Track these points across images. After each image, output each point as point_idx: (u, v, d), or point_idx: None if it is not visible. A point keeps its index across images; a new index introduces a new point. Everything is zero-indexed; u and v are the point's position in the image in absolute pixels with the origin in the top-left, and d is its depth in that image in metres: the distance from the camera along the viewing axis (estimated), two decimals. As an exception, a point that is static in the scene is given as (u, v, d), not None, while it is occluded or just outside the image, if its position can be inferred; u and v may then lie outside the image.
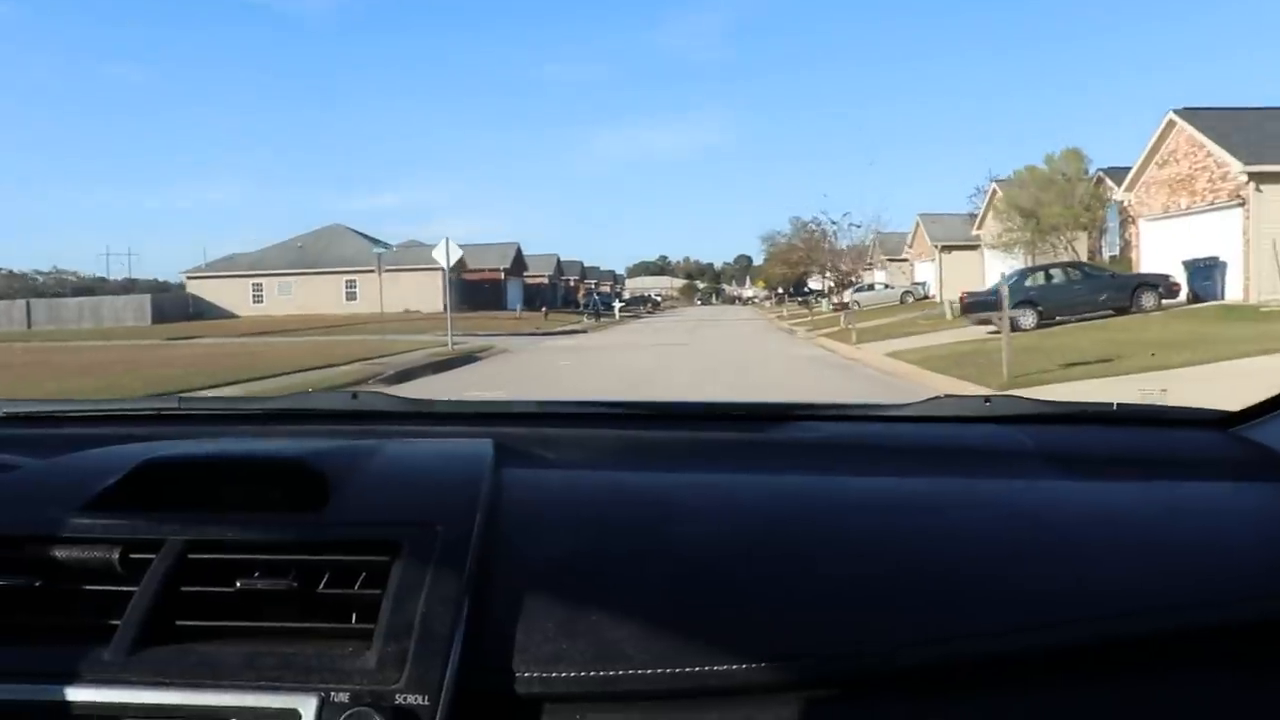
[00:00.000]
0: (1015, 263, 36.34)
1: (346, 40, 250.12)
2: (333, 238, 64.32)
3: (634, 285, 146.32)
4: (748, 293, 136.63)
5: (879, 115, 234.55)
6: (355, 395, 1.54)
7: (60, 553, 0.93)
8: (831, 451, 1.26)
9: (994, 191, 42.06)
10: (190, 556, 0.92)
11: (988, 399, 1.41)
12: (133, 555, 0.93)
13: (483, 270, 66.15)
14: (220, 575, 0.91)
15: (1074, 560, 0.95)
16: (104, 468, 1.04)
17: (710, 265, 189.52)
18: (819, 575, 0.92)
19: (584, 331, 43.29)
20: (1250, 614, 0.91)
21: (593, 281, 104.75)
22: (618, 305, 63.24)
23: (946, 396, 1.49)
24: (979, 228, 45.03)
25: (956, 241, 49.77)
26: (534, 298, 79.02)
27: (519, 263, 71.91)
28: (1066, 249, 32.08)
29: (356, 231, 64.83)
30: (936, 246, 51.03)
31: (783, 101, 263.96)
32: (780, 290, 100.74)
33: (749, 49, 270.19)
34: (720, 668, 0.83)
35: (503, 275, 67.23)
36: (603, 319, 57.48)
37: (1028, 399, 1.43)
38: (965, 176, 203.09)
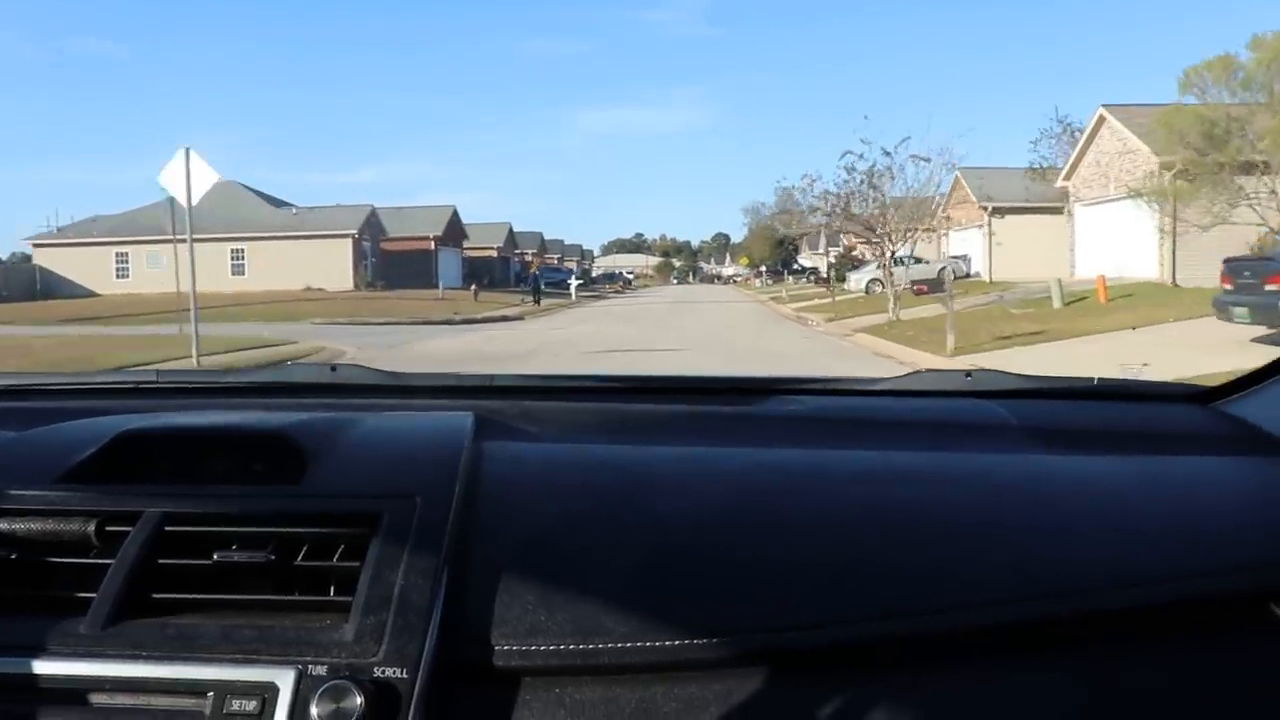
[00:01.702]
0: (1139, 223, 24.42)
1: (324, 10, 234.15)
2: (222, 197, 51.46)
3: (608, 263, 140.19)
4: (728, 270, 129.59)
5: (864, 101, 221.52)
6: (334, 368, 1.53)
7: (35, 525, 0.92)
8: (814, 425, 1.26)
9: (1100, 120, 30.07)
10: (167, 529, 0.91)
11: (968, 373, 1.41)
12: (109, 528, 0.92)
13: (406, 238, 53.67)
14: (197, 548, 0.91)
15: (1057, 534, 0.95)
16: (80, 440, 1.04)
17: (687, 243, 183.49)
18: (801, 548, 0.92)
19: (516, 319, 31.62)
20: (1230, 586, 0.92)
21: (555, 256, 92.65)
22: (574, 284, 51.18)
23: (928, 371, 1.49)
24: (1067, 177, 33.13)
25: (1013, 202, 38.03)
26: (480, 272, 66.97)
27: (455, 230, 59.46)
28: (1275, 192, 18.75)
29: (254, 190, 52.13)
30: (986, 208, 39.14)
31: (764, 80, 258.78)
32: (764, 267, 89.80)
33: (731, 27, 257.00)
34: (700, 641, 0.83)
35: (433, 245, 54.78)
36: (552, 301, 45.63)
37: (1008, 374, 1.44)
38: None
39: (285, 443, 1.01)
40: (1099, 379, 1.40)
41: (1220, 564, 0.93)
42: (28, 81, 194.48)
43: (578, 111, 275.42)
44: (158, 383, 1.49)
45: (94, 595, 0.86)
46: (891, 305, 23.47)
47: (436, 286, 51.23)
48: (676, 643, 0.83)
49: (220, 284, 46.33)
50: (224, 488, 0.96)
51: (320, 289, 45.89)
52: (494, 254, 70.17)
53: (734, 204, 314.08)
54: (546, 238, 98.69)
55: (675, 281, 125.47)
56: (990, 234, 39.18)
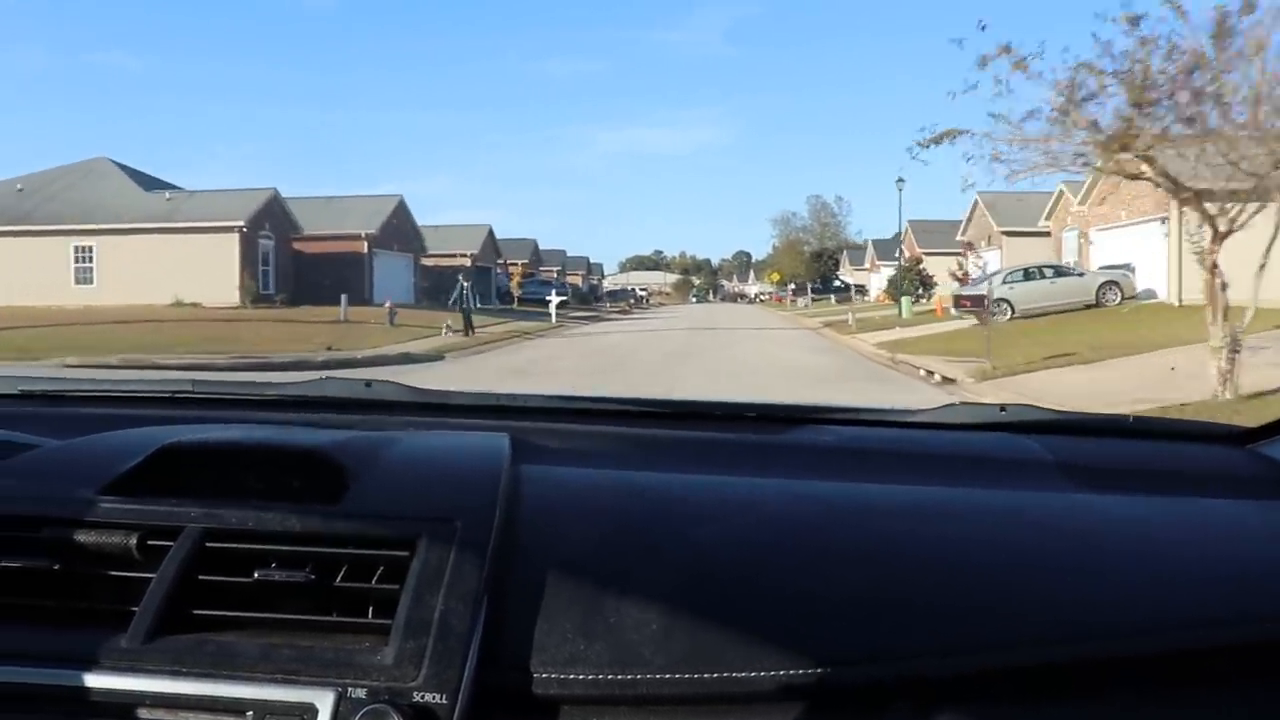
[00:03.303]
0: None
1: (342, 31, 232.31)
2: (77, 176, 37.88)
3: (625, 279, 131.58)
4: (752, 289, 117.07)
5: (887, 117, 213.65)
6: (369, 384, 1.53)
7: (79, 536, 0.92)
8: (849, 456, 1.25)
9: None
10: (208, 545, 0.92)
11: (1003, 407, 1.40)
12: (151, 541, 0.92)
13: (327, 237, 39.93)
14: (237, 565, 0.91)
15: (1091, 573, 0.95)
16: (123, 451, 1.04)
17: (707, 261, 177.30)
18: (839, 581, 0.92)
19: (421, 360, 18.34)
20: (1265, 634, 0.91)
21: (554, 270, 79.02)
22: (554, 301, 37.58)
23: (961, 404, 1.49)
24: None
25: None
26: (448, 285, 53.38)
27: (402, 230, 45.56)
28: None
29: (123, 167, 38.62)
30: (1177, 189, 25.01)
31: (784, 99, 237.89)
32: (794, 285, 76.12)
33: (750, 47, 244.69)
34: (739, 674, 0.83)
35: (366, 247, 40.90)
36: (522, 322, 32.00)
37: (1042, 408, 1.43)
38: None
39: (325, 461, 1.01)
40: (1134, 416, 1.39)
41: (1257, 610, 0.92)
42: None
43: (597, 130, 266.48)
44: (193, 393, 1.49)
45: (135, 609, 0.86)
46: (1221, 376, 9.63)
47: (371, 301, 37.77)
48: (715, 675, 0.83)
49: (59, 295, 32.95)
50: (264, 504, 0.95)
51: (195, 303, 32.41)
52: (467, 262, 56.41)
53: (754, 222, 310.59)
54: (512, 238, 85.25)
55: (694, 300, 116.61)
56: (1183, 230, 25.06)
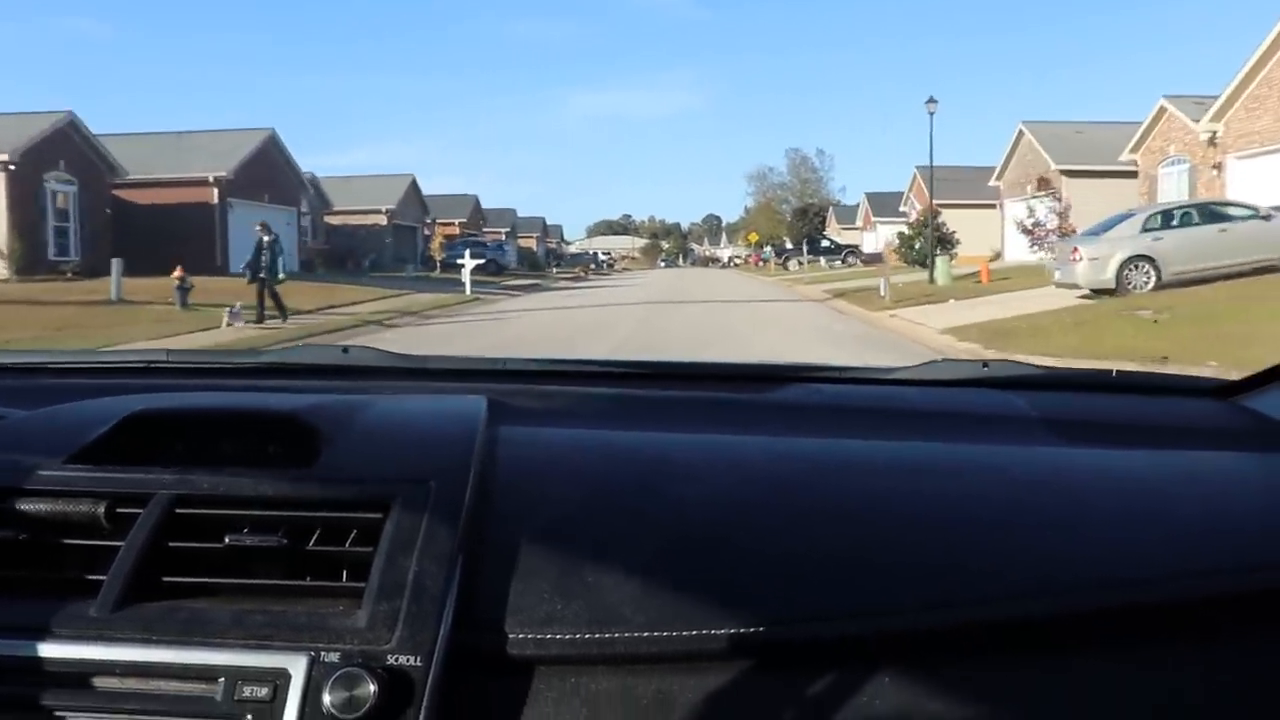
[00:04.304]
0: None
1: None
2: None
3: (596, 245, 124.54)
4: (725, 253, 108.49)
5: (860, 81, 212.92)
6: (346, 349, 1.51)
7: (45, 506, 0.92)
8: (833, 414, 1.25)
9: None
10: (178, 511, 0.91)
11: (985, 363, 1.41)
12: (119, 509, 0.91)
13: (162, 182, 29.69)
14: (208, 530, 0.91)
15: (1076, 527, 0.95)
16: (90, 419, 1.03)
17: (677, 225, 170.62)
18: (821, 538, 0.92)
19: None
20: (1251, 584, 0.92)
21: (502, 231, 68.90)
22: (468, 265, 27.98)
23: (944, 360, 1.52)
24: None
25: None
26: (358, 249, 43.35)
27: (272, 175, 35.29)
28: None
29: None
30: None
31: (756, 64, 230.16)
32: (771, 246, 66.79)
33: (721, 9, 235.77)
34: (719, 631, 0.83)
35: (215, 196, 30.70)
36: (429, 292, 22.41)
37: (1025, 364, 1.44)
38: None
39: (298, 425, 1.00)
40: (1117, 371, 1.40)
41: (1243, 561, 0.92)
42: None
43: (566, 94, 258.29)
44: (167, 362, 1.47)
45: (104, 578, 0.86)
46: None
47: (226, 269, 27.92)
48: (695, 633, 0.83)
49: None
50: (236, 470, 0.94)
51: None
52: (382, 221, 46.32)
53: (726, 186, 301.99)
54: (499, 209, 75.05)
55: (663, 264, 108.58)
56: None
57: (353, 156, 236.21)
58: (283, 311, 17.04)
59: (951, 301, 21.19)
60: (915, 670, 0.85)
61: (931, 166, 29.38)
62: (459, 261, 28.88)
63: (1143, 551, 0.92)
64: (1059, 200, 25.39)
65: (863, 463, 1.06)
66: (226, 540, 0.89)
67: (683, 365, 1.57)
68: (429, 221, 49.79)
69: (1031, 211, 25.89)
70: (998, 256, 38.39)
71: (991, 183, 38.71)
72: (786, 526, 0.93)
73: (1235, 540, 0.95)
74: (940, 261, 27.38)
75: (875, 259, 27.43)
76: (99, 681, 0.80)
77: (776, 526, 0.93)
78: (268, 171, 34.14)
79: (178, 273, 18.85)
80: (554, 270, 56.53)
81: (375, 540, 0.87)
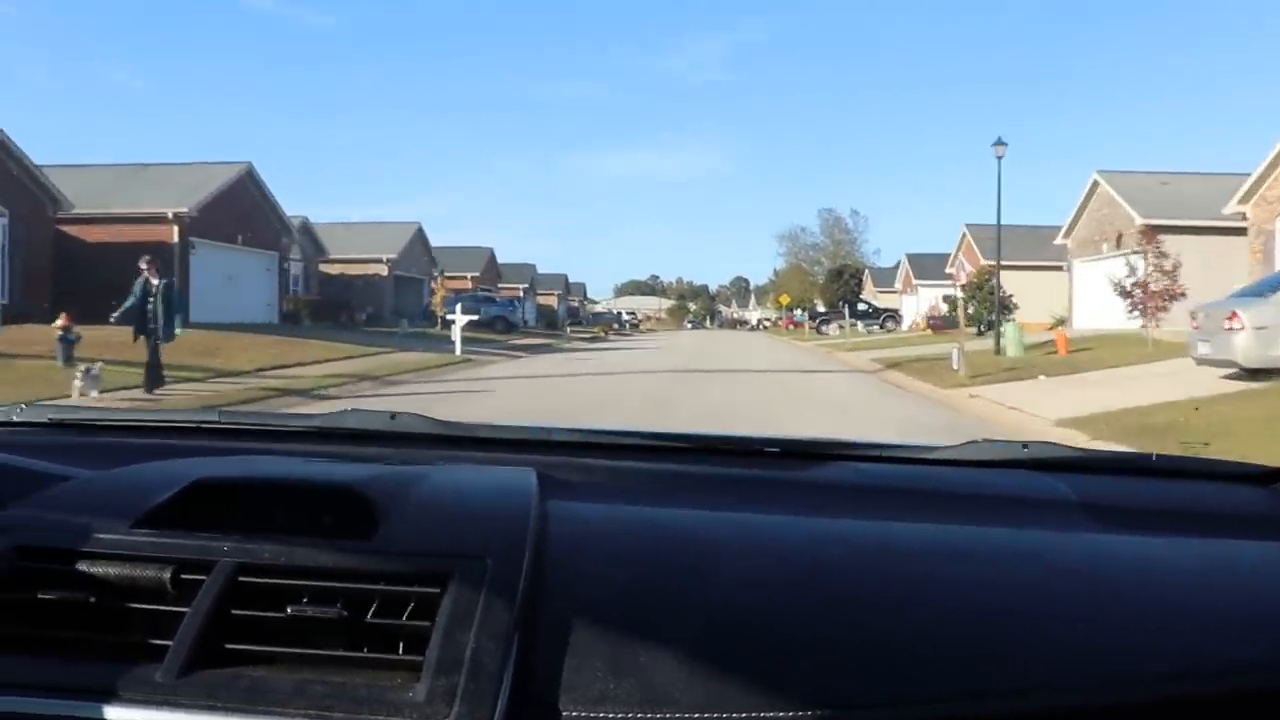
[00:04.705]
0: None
1: (345, 53, 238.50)
2: None
3: (620, 304, 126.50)
4: (753, 315, 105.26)
5: (877, 145, 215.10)
6: (394, 416, 1.54)
7: (112, 569, 0.94)
8: (871, 494, 1.26)
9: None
10: (241, 579, 0.93)
11: (1025, 444, 1.40)
12: (184, 575, 0.93)
13: (114, 220, 25.95)
14: (269, 600, 0.92)
15: (1111, 617, 0.95)
16: (156, 483, 1.06)
17: (705, 287, 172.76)
18: (859, 624, 0.93)
19: None
20: None
21: (519, 287, 65.38)
22: (458, 321, 24.11)
23: (985, 441, 1.49)
24: None
25: None
26: (355, 300, 39.64)
27: (246, 214, 31.16)
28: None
29: None
30: None
31: (781, 128, 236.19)
32: (804, 309, 63.08)
33: (748, 74, 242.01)
34: (766, 714, 0.84)
35: (176, 234, 26.49)
36: (369, 358, 18.67)
37: (1065, 445, 1.43)
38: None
39: (356, 497, 1.02)
40: (1157, 455, 1.38)
41: None
42: None
43: (594, 154, 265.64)
44: (219, 423, 1.53)
45: (169, 643, 0.87)
46: None
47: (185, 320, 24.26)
48: (740, 716, 0.84)
49: None
50: (296, 540, 0.96)
51: None
52: (383, 272, 42.78)
53: (753, 250, 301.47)
54: (516, 264, 71.66)
55: (690, 326, 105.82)
56: None
57: (369, 212, 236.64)
58: (153, 378, 13.05)
59: (1041, 378, 17.09)
60: None
61: (999, 214, 25.34)
62: (449, 317, 24.94)
63: (1186, 643, 0.91)
64: (1164, 256, 21.10)
65: (901, 547, 1.06)
66: (288, 610, 0.89)
67: (722, 439, 1.53)
68: (436, 274, 46.20)
69: (1133, 270, 21.62)
70: (1061, 323, 34.21)
71: (1058, 241, 34.54)
72: (826, 612, 0.93)
73: (1272, 634, 0.93)
74: (1010, 328, 23.26)
75: (942, 323, 23.17)
76: None
77: (821, 609, 0.93)
78: (242, 210, 30.57)
79: (61, 322, 15.01)
80: (569, 330, 52.58)
81: (432, 615, 0.88)
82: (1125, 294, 21.38)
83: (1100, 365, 18.36)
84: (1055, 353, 22.24)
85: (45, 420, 1.52)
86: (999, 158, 26.04)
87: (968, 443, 1.44)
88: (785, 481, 1.31)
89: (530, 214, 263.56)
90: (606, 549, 1.02)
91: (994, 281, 34.04)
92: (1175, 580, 1.01)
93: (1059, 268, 36.92)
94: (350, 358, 21.37)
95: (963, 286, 35.08)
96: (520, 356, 27.02)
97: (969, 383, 16.59)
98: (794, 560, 1.02)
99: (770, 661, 0.87)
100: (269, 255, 32.60)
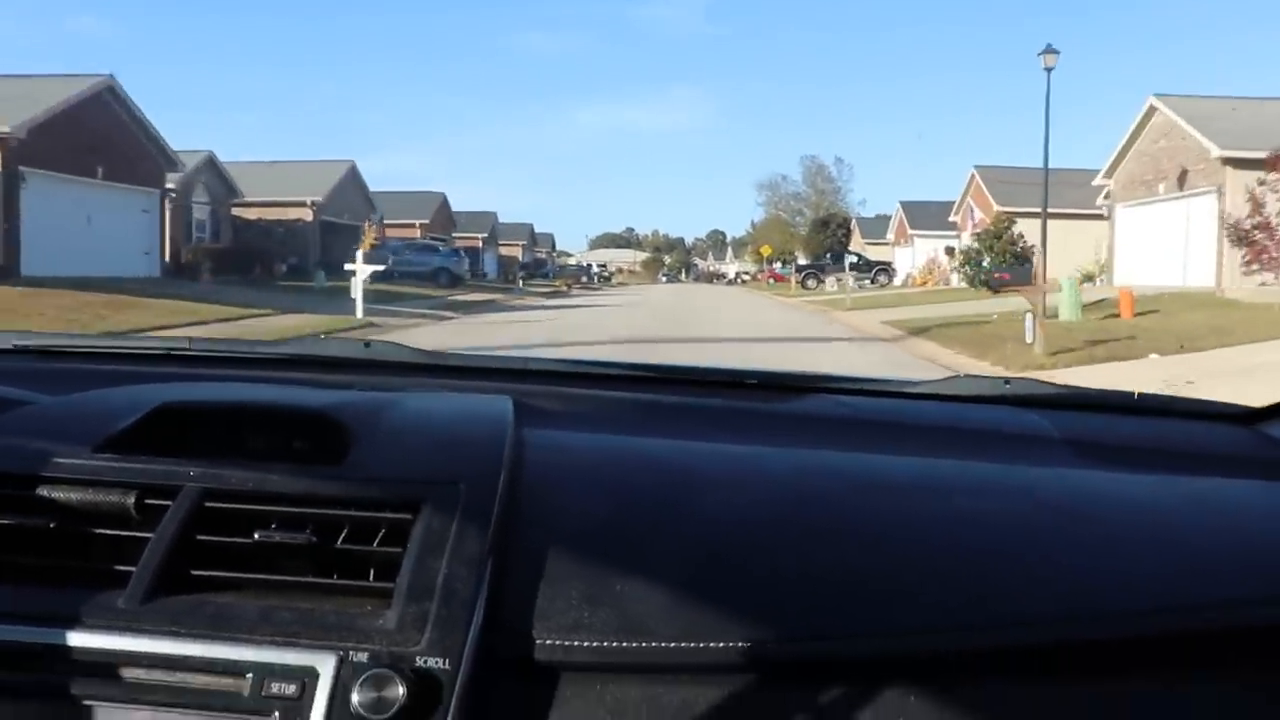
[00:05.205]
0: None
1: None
2: None
3: (594, 256, 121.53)
4: (730, 268, 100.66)
5: (861, 94, 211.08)
6: (368, 344, 1.52)
7: (75, 494, 0.92)
8: (853, 426, 1.26)
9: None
10: (207, 505, 0.92)
11: (1007, 380, 1.41)
12: (148, 500, 0.92)
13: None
14: (237, 525, 0.91)
15: (1098, 553, 0.95)
16: (120, 408, 1.04)
17: (680, 240, 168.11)
18: (846, 553, 0.93)
19: None
20: (1272, 616, 0.91)
21: (478, 236, 59.69)
22: (359, 274, 18.95)
23: (966, 376, 1.48)
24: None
25: None
26: (267, 251, 34.06)
27: (101, 142, 24.57)
28: None
29: None
30: None
31: (763, 81, 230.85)
32: (781, 261, 58.13)
33: (731, 25, 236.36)
34: (745, 644, 0.84)
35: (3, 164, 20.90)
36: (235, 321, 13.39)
37: (1047, 382, 1.43)
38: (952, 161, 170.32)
39: (327, 422, 1.01)
40: (1139, 393, 1.38)
41: (1265, 592, 0.92)
42: None
43: (573, 107, 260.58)
44: (190, 350, 1.49)
45: (132, 569, 0.86)
46: None
47: (16, 274, 18.97)
48: (719, 646, 0.83)
49: None
50: (265, 465, 0.95)
51: None
52: (307, 216, 37.11)
53: (731, 203, 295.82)
54: (474, 212, 65.82)
55: (664, 279, 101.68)
56: None
57: (363, 165, 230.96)
58: None
59: (1153, 356, 12.06)
60: (933, 691, 0.85)
61: (1047, 143, 20.32)
62: (348, 267, 19.54)
63: (1171, 580, 0.91)
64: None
65: (887, 479, 1.06)
66: (255, 536, 0.88)
67: (704, 371, 1.52)
68: (373, 221, 40.55)
69: (1259, 206, 16.41)
70: (1090, 278, 29.25)
71: (1097, 181, 29.30)
72: (811, 543, 0.93)
73: (1259, 571, 0.93)
74: (1067, 285, 18.23)
75: (1021, 280, 18.06)
76: (126, 672, 0.80)
77: (801, 542, 0.93)
78: (100, 136, 24.54)
79: None
80: (522, 283, 47.04)
81: (404, 541, 0.87)
82: (1244, 241, 16.29)
83: (1211, 337, 13.37)
84: (1117, 315, 17.33)
85: (9, 346, 1.47)
86: (1048, 69, 20.84)
87: (950, 378, 1.44)
88: (766, 413, 1.29)
89: (502, 167, 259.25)
90: (584, 477, 1.00)
91: (1014, 230, 29.27)
92: (1160, 517, 1.00)
93: (1085, 216, 31.88)
94: (202, 321, 16.03)
95: (977, 235, 30.12)
96: (449, 318, 21.80)
97: (1049, 363, 11.59)
98: (775, 491, 1.00)
99: (749, 593, 0.86)
100: (145, 193, 26.80)
